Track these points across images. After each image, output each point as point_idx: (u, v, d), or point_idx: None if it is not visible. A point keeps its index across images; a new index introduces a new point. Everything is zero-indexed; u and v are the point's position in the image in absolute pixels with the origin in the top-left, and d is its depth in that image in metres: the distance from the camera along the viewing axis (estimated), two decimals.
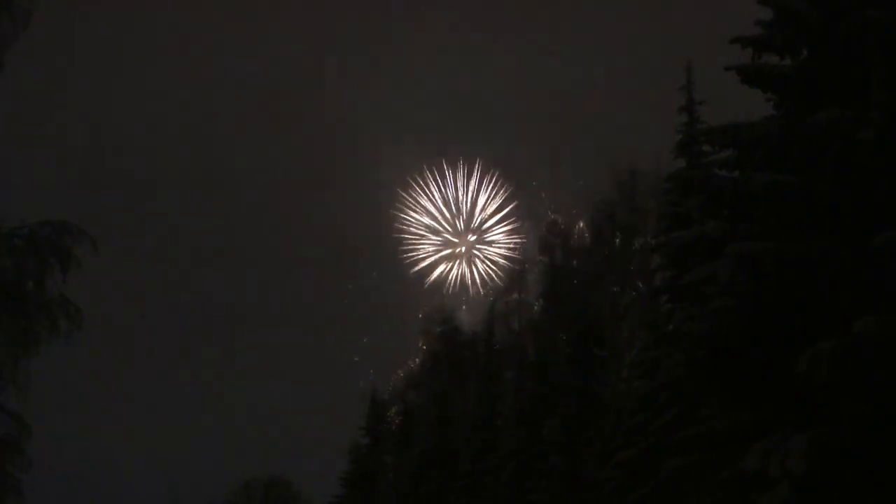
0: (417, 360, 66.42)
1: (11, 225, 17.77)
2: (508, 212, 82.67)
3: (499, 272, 77.93)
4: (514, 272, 63.90)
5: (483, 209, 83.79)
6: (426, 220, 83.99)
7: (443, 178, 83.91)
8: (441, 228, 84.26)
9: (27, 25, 17.62)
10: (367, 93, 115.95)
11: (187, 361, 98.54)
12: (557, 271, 45.07)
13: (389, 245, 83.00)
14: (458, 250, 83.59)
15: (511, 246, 79.40)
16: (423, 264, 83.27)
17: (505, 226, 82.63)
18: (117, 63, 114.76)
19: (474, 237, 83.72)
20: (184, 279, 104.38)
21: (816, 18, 16.46)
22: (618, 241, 44.58)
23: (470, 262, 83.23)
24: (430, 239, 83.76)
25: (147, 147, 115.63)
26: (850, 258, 15.08)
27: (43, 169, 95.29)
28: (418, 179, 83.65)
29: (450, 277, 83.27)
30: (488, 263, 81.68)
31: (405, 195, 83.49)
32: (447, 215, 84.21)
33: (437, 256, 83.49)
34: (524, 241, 73.02)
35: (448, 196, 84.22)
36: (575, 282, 43.14)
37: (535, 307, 52.49)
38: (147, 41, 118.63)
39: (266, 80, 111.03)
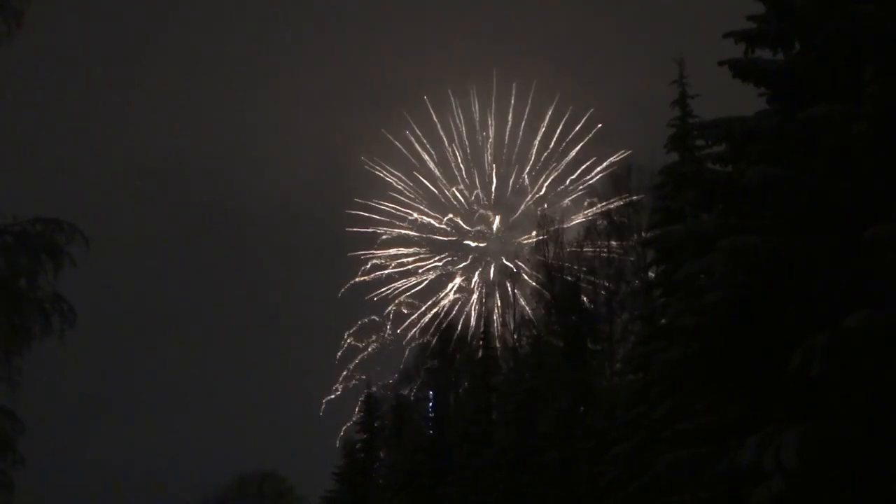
0: (412, 355, 66.52)
1: (3, 222, 17.72)
2: None
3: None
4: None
5: None
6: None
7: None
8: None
9: (20, 25, 17.56)
10: None
11: (181, 358, 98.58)
12: (551, 266, 45.13)
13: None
14: None
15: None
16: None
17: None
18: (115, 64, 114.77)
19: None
20: (182, 279, 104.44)
21: (809, 12, 16.45)
22: (612, 235, 44.68)
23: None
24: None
25: (143, 146, 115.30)
26: (843, 252, 15.09)
27: (37, 167, 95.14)
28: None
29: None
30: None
31: None
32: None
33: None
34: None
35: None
36: (569, 277, 43.22)
37: (530, 302, 52.61)
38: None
39: None
